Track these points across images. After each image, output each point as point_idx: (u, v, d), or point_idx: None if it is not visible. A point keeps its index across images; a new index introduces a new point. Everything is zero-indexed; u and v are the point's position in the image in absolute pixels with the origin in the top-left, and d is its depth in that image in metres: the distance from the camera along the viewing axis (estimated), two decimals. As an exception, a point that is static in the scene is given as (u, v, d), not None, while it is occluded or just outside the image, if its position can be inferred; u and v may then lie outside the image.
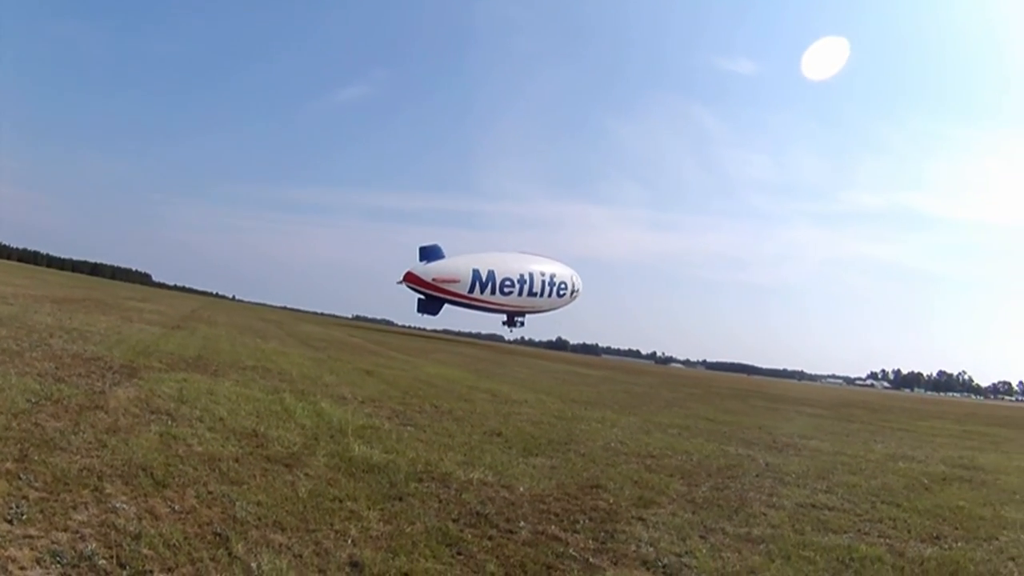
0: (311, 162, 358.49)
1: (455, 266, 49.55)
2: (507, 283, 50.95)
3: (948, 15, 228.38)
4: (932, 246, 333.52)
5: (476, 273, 49.51)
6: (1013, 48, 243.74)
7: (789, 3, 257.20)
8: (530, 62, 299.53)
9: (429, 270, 49.92)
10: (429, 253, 50.78)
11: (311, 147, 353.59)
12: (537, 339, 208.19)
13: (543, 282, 52.89)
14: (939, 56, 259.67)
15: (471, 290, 49.96)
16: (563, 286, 54.56)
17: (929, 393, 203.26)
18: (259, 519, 6.37)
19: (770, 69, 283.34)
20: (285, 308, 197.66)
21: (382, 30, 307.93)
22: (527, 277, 51.80)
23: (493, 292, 50.63)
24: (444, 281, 48.79)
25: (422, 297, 51.09)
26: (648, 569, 6.59)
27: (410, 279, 50.03)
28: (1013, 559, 8.19)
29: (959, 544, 8.62)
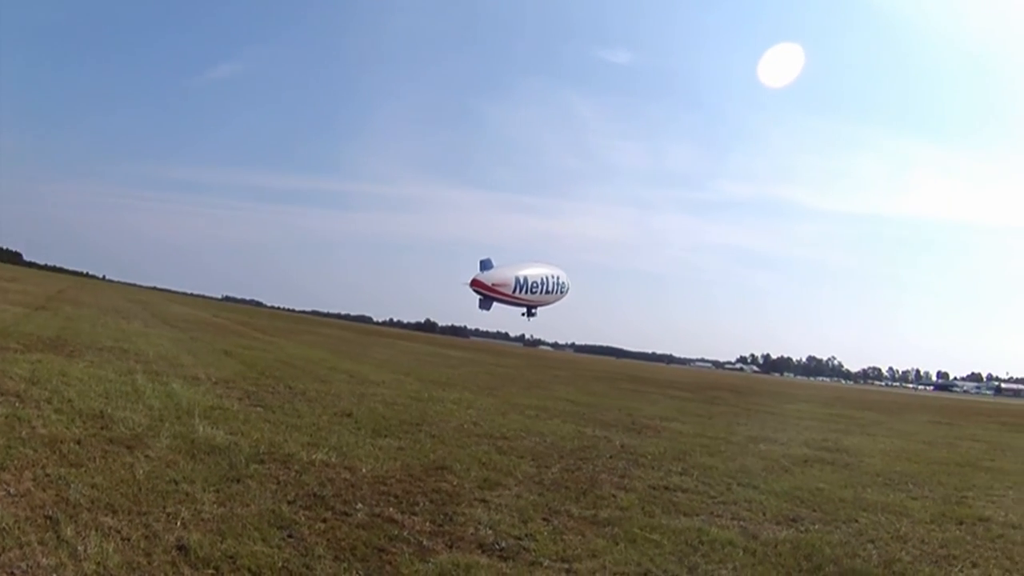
0: (183, 141, 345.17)
1: (504, 274, 57.36)
2: (535, 285, 58.77)
3: (821, 13, 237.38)
4: (802, 235, 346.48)
5: (517, 279, 56.96)
6: (880, 46, 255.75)
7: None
8: (405, 45, 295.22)
9: (488, 277, 57.66)
10: (485, 264, 58.84)
11: (184, 126, 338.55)
12: (406, 320, 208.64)
13: (553, 282, 61.17)
14: (812, 53, 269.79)
15: (514, 291, 57.09)
16: (564, 285, 63.34)
17: (799, 377, 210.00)
18: (92, 502, 6.41)
19: (646, 60, 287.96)
20: (155, 288, 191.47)
21: (256, 6, 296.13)
22: (545, 279, 59.80)
23: (526, 292, 58.27)
24: (500, 285, 56.46)
25: (482, 298, 58.30)
26: (484, 552, 6.55)
27: (477, 284, 57.36)
28: (872, 542, 8.24)
29: (816, 527, 8.66)
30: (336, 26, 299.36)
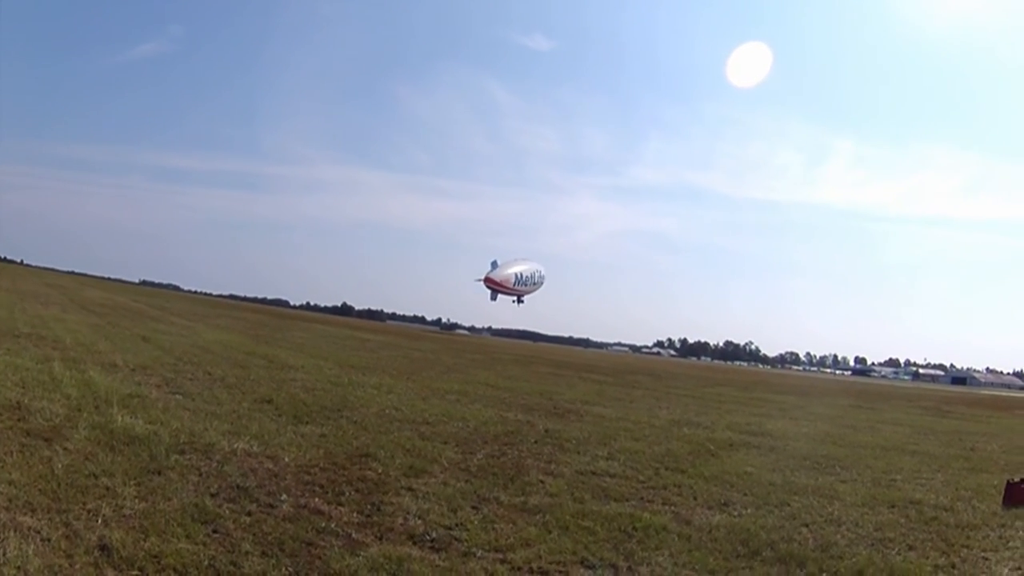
0: (102, 120, 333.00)
1: (507, 272, 74.44)
2: (527, 279, 77.29)
3: (747, 7, 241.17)
4: (718, 223, 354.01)
5: (516, 275, 75.39)
6: (805, 41, 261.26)
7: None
8: (322, 24, 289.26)
9: (497, 274, 74.42)
10: (494, 264, 75.68)
11: (102, 105, 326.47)
12: (322, 304, 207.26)
13: (539, 275, 80.00)
14: (729, 46, 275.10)
15: (514, 285, 74.84)
16: (543, 277, 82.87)
17: (716, 362, 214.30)
18: (10, 500, 6.21)
19: (565, 47, 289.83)
20: (73, 273, 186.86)
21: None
22: (533, 273, 78.66)
23: (522, 285, 76.04)
24: (505, 281, 73.21)
25: (491, 291, 74.41)
26: (415, 543, 6.44)
27: (490, 281, 73.88)
28: (807, 525, 8.28)
29: (749, 511, 8.69)
30: (247, 5, 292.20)
